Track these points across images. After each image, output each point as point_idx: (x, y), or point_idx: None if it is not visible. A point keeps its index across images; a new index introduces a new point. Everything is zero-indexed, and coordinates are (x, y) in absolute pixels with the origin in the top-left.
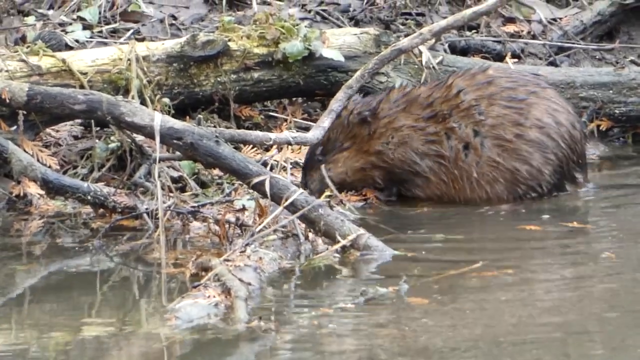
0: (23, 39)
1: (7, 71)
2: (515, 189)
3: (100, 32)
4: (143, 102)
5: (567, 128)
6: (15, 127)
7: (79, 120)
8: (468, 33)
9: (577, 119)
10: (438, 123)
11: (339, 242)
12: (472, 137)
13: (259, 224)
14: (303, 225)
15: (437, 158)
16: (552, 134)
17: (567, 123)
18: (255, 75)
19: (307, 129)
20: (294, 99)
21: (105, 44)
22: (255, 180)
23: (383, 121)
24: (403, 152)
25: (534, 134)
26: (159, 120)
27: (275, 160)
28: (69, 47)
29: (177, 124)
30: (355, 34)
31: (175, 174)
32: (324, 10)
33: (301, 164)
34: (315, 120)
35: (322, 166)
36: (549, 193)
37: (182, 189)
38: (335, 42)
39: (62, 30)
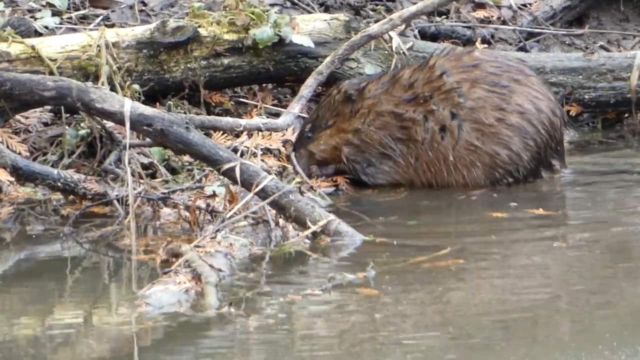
0: None
1: None
2: (493, 174)
3: (70, 18)
4: (113, 89)
5: (547, 115)
6: None
7: (48, 107)
8: (438, 19)
9: (558, 105)
10: (418, 105)
11: (309, 228)
12: (449, 120)
13: (230, 210)
14: (274, 212)
15: (411, 142)
16: (532, 120)
17: (547, 110)
18: (226, 61)
19: (277, 115)
20: (264, 85)
21: (75, 30)
22: (226, 166)
23: (367, 102)
24: (382, 135)
25: (514, 119)
26: (129, 106)
27: (245, 147)
28: (38, 34)
29: (147, 110)
30: (325, 20)
31: (146, 161)
32: None
33: (272, 150)
34: (285, 106)
35: (292, 154)
36: (525, 179)
37: (153, 176)
38: (305, 28)
39: (31, 17)
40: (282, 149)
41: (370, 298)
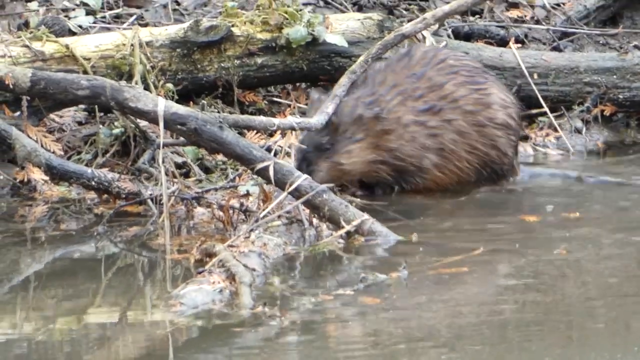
0: (26, 24)
1: (10, 57)
2: (481, 172)
3: (104, 17)
4: (147, 88)
5: (517, 108)
6: (19, 113)
7: (82, 106)
8: (471, 18)
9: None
10: (434, 115)
11: (343, 227)
12: (465, 126)
13: (263, 210)
14: (307, 211)
15: (439, 151)
16: (513, 115)
17: (516, 102)
18: (259, 60)
19: None
20: (297, 84)
21: (109, 29)
22: (259, 165)
23: (390, 115)
24: (414, 148)
25: (501, 116)
26: (163, 105)
27: (279, 146)
28: (72, 33)
29: (181, 109)
30: (359, 19)
31: (179, 160)
32: None
33: None
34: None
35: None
36: (505, 177)
37: (186, 175)
38: (339, 28)
39: (65, 16)
40: None
41: (404, 298)
